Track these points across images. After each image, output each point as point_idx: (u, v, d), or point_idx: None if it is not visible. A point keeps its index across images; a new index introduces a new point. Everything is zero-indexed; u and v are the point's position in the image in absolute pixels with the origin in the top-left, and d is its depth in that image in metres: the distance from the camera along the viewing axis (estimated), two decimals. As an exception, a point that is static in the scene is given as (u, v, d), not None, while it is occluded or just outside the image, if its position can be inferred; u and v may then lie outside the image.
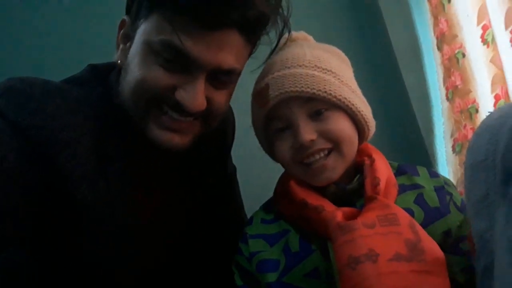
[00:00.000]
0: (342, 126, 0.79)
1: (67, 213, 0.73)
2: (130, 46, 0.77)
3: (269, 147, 0.86)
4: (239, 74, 0.81)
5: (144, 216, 0.82)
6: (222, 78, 0.77)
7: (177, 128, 0.78)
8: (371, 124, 0.84)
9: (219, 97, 0.79)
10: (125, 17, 0.80)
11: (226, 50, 0.74)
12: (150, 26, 0.72)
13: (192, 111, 0.74)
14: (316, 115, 0.78)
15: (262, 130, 0.85)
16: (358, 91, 0.83)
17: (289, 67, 0.78)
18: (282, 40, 0.88)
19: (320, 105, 0.78)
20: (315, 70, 0.78)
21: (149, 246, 0.83)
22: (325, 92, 0.76)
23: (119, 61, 0.80)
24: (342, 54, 0.88)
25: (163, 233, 0.86)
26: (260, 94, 0.81)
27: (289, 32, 0.85)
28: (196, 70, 0.73)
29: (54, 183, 0.71)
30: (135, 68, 0.74)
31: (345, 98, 0.78)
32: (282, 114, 0.79)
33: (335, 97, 0.77)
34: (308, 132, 0.76)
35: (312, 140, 0.76)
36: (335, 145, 0.78)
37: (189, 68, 0.73)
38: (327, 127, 0.78)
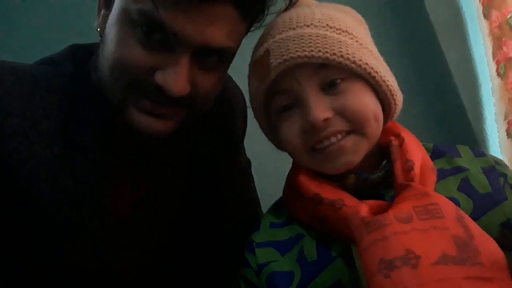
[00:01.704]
0: (364, 100, 0.69)
1: (22, 210, 0.69)
2: (109, 14, 0.73)
3: (272, 131, 0.77)
4: (233, 54, 0.75)
5: (122, 212, 0.78)
6: (211, 58, 0.71)
7: (159, 113, 0.73)
8: (399, 97, 0.74)
9: (206, 80, 0.73)
10: None
11: (217, 25, 0.67)
12: None
13: (174, 96, 0.69)
14: (330, 88, 0.68)
15: (263, 110, 0.75)
16: (380, 57, 0.74)
17: (294, 28, 0.69)
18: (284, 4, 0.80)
19: (335, 74, 0.68)
20: (327, 30, 0.68)
21: (127, 244, 0.79)
22: (341, 56, 0.66)
23: (98, 29, 0.76)
24: (358, 15, 0.78)
25: (147, 230, 0.82)
26: (258, 64, 0.72)
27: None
28: (179, 47, 0.67)
29: (2, 177, 0.67)
30: (112, 41, 0.70)
31: (367, 64, 0.68)
32: (287, 87, 0.69)
33: (354, 62, 0.67)
34: (321, 109, 0.66)
35: (326, 119, 0.66)
36: (356, 126, 0.68)
37: (170, 45, 0.67)
38: (346, 103, 0.68)
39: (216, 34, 0.68)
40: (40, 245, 0.71)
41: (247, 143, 1.07)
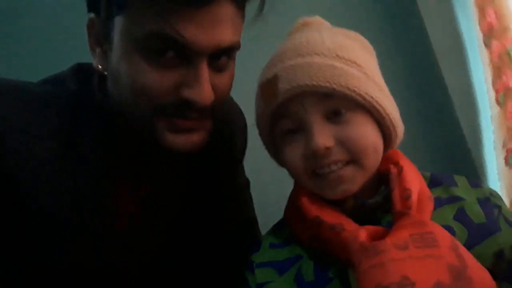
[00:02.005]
0: (366, 133, 0.69)
1: (23, 211, 0.69)
2: (109, 49, 0.71)
3: (276, 151, 0.78)
4: (238, 47, 0.74)
5: (123, 212, 0.78)
6: (222, 58, 0.71)
7: (191, 127, 0.72)
8: (400, 128, 0.74)
9: (223, 81, 0.73)
10: (92, 16, 0.73)
11: (222, 26, 0.68)
12: (130, 21, 0.66)
13: (204, 106, 0.69)
14: (334, 117, 0.68)
15: (268, 130, 0.76)
16: (385, 88, 0.74)
17: (304, 55, 0.69)
18: (295, 25, 0.81)
19: (340, 104, 0.68)
20: (335, 60, 0.68)
21: (128, 244, 0.78)
22: (348, 88, 0.67)
23: (99, 66, 0.74)
24: (366, 42, 0.78)
25: (148, 230, 0.82)
26: (267, 87, 0.72)
27: None
28: (196, 57, 0.67)
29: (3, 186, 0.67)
30: (126, 74, 0.69)
31: (372, 97, 0.68)
32: (293, 112, 0.70)
33: (359, 94, 0.67)
34: (323, 137, 0.67)
35: (328, 148, 0.67)
36: (355, 156, 0.69)
37: (187, 57, 0.67)
38: (348, 134, 0.68)
39: (224, 33, 0.68)
40: (40, 245, 0.71)
41: (247, 160, 1.08)
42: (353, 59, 0.70)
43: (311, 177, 0.71)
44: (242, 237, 1.00)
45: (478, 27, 1.34)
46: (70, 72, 0.80)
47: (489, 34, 1.30)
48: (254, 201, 1.10)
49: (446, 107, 1.50)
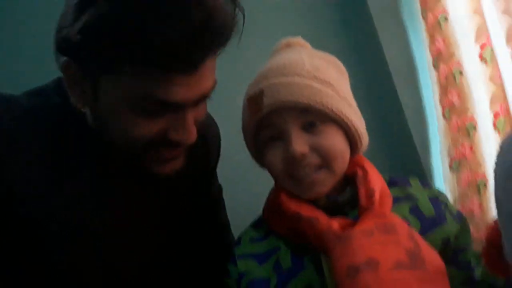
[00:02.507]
0: (335, 142, 0.77)
1: (21, 218, 0.70)
2: (93, 98, 0.70)
3: (259, 155, 0.84)
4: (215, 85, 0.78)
5: (111, 232, 0.79)
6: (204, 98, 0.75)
7: (175, 156, 0.77)
8: (365, 138, 0.82)
9: (201, 111, 0.77)
10: (67, 60, 0.69)
11: (207, 79, 0.71)
12: (120, 82, 0.66)
13: (189, 144, 0.73)
14: (310, 128, 0.76)
15: (252, 137, 0.82)
16: (354, 104, 0.82)
17: (286, 75, 0.76)
18: (279, 45, 0.86)
19: (315, 118, 0.76)
20: (313, 80, 0.75)
21: (117, 263, 0.80)
22: (322, 104, 0.74)
23: (78, 105, 0.73)
24: (341, 65, 0.86)
25: (133, 250, 0.82)
26: (253, 100, 0.79)
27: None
28: (182, 109, 0.71)
29: None
30: (115, 123, 0.71)
31: (341, 112, 0.76)
32: (275, 123, 0.77)
33: (331, 110, 0.75)
34: (300, 144, 0.74)
35: (303, 154, 0.74)
36: (326, 161, 0.76)
37: (175, 110, 0.70)
38: (321, 142, 0.76)
39: (208, 84, 0.71)
40: (40, 246, 0.72)
41: (220, 166, 1.09)
42: (327, 80, 0.76)
43: (289, 179, 0.78)
44: (216, 240, 1.02)
45: (428, 52, 1.42)
46: (53, 84, 0.80)
47: (438, 58, 1.38)
48: (227, 203, 1.11)
49: (399, 119, 1.57)
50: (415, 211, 0.80)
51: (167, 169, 0.76)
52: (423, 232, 0.77)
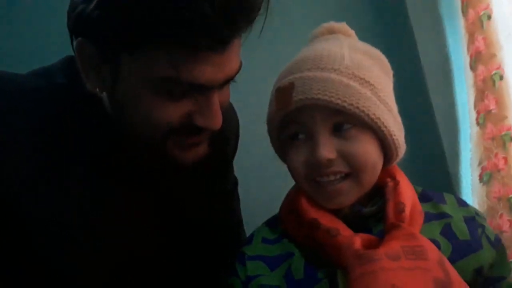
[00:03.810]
0: (367, 150, 0.71)
1: (16, 219, 0.68)
2: (112, 79, 0.67)
3: (281, 150, 0.80)
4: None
5: (111, 233, 0.76)
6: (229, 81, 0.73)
7: (197, 142, 0.74)
8: (401, 149, 0.76)
9: (225, 96, 0.75)
10: (82, 40, 0.66)
11: (233, 60, 0.69)
12: (142, 62, 0.63)
13: (215, 130, 0.71)
14: (340, 131, 0.71)
15: (277, 131, 0.78)
16: (395, 109, 0.75)
17: (321, 69, 0.70)
18: (319, 29, 0.81)
19: (348, 120, 0.70)
20: (351, 79, 0.69)
21: (117, 264, 0.77)
22: (358, 107, 0.68)
23: (96, 89, 0.70)
24: (386, 62, 0.79)
25: (134, 250, 0.80)
26: (281, 92, 0.73)
27: None
28: (208, 91, 0.68)
29: None
30: (136, 108, 0.68)
31: (379, 118, 0.70)
32: (303, 121, 0.72)
33: (367, 115, 0.69)
34: (327, 149, 0.69)
35: (330, 160, 0.69)
36: (355, 171, 0.71)
37: (201, 92, 0.68)
38: (350, 149, 0.70)
39: (234, 66, 0.69)
40: (39, 247, 0.70)
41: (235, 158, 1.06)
42: (367, 79, 0.70)
43: (311, 183, 0.73)
44: (227, 239, 0.99)
45: (465, 51, 1.35)
46: (60, 64, 0.77)
47: (476, 58, 1.30)
48: (242, 197, 1.09)
49: (429, 122, 1.52)
50: (447, 232, 0.74)
51: (190, 156, 0.74)
52: (454, 258, 0.71)
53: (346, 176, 0.71)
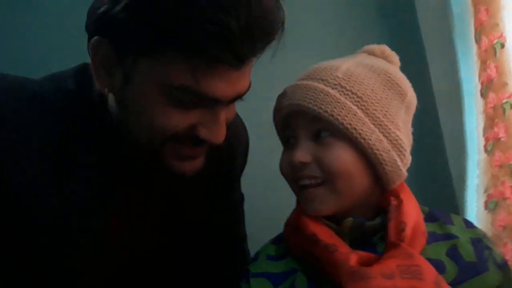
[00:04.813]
0: (342, 158, 0.71)
1: (16, 220, 0.68)
2: (124, 82, 0.68)
3: None
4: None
5: (112, 236, 0.76)
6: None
7: (195, 155, 0.74)
8: (390, 167, 0.72)
9: (232, 112, 0.76)
10: (100, 39, 0.66)
11: (246, 78, 0.71)
12: (160, 68, 0.64)
13: (215, 144, 0.71)
14: (318, 137, 0.73)
15: (279, 134, 0.83)
16: (390, 126, 0.72)
17: (312, 79, 0.74)
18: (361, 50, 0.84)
19: (325, 128, 0.72)
20: (335, 88, 0.71)
21: (117, 267, 0.77)
22: (332, 115, 0.69)
23: (105, 89, 0.71)
24: (396, 80, 0.75)
25: (134, 254, 0.80)
26: (278, 99, 0.79)
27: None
28: (217, 105, 0.69)
29: None
30: (143, 111, 0.68)
31: (354, 129, 0.69)
32: (293, 126, 0.76)
33: (342, 124, 0.69)
34: (302, 153, 0.72)
35: (302, 163, 0.72)
36: (328, 178, 0.72)
37: (210, 105, 0.68)
38: (324, 155, 0.71)
39: (245, 84, 0.71)
40: (39, 247, 0.70)
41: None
42: (354, 91, 0.70)
43: (295, 186, 0.76)
44: (231, 254, 0.99)
45: (477, 78, 1.34)
46: (73, 71, 0.77)
47: (488, 86, 1.30)
48: (247, 212, 1.08)
49: (437, 146, 1.51)
50: (454, 253, 0.73)
51: (187, 167, 0.74)
52: (460, 279, 0.70)
53: (322, 182, 0.72)
